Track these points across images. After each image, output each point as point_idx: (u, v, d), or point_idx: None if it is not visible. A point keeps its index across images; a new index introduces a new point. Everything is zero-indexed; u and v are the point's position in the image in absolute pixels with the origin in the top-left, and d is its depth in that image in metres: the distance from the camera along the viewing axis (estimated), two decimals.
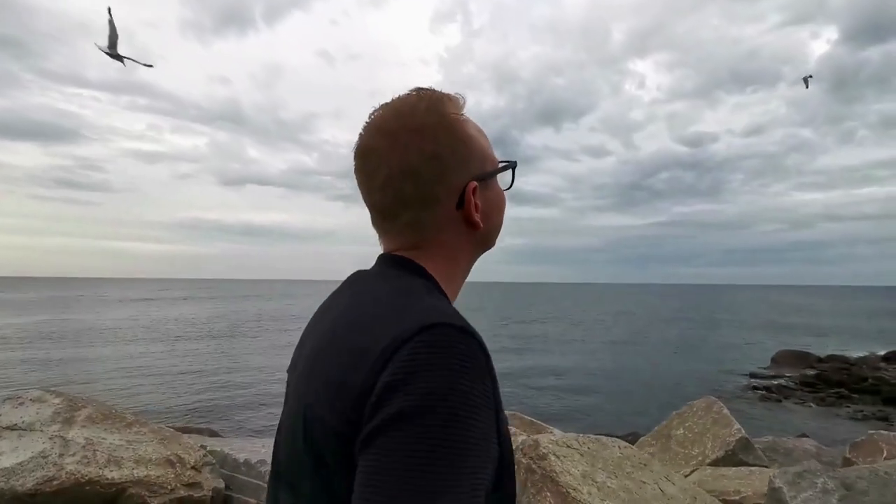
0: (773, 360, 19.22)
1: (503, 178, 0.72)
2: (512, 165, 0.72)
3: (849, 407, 12.61)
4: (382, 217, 0.67)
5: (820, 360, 18.67)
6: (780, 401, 13.42)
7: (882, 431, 3.82)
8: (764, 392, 14.26)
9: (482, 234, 0.68)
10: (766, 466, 4.18)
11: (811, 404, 13.05)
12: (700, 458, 4.35)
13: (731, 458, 4.25)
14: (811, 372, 16.51)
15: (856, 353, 20.24)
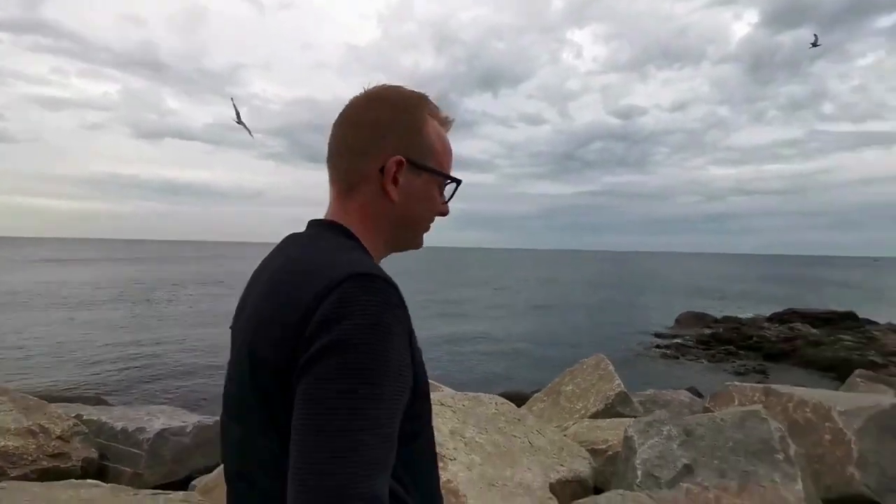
0: (677, 320, 20.84)
1: (446, 191, 0.83)
2: (455, 180, 0.82)
3: (734, 362, 13.96)
4: (328, 159, 0.79)
5: (716, 320, 20.46)
6: (677, 357, 14.63)
7: (737, 383, 4.21)
8: (664, 350, 15.47)
9: (399, 213, 0.77)
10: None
11: (703, 360, 14.32)
12: (583, 412, 4.64)
13: (610, 411, 4.56)
14: (707, 331, 18.07)
15: (747, 314, 22.37)
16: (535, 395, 5.44)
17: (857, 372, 6.90)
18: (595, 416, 4.51)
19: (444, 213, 0.84)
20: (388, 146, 0.75)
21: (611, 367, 5.08)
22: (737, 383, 4.19)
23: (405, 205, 0.77)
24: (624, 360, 14.11)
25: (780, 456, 2.65)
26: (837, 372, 12.40)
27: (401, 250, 0.84)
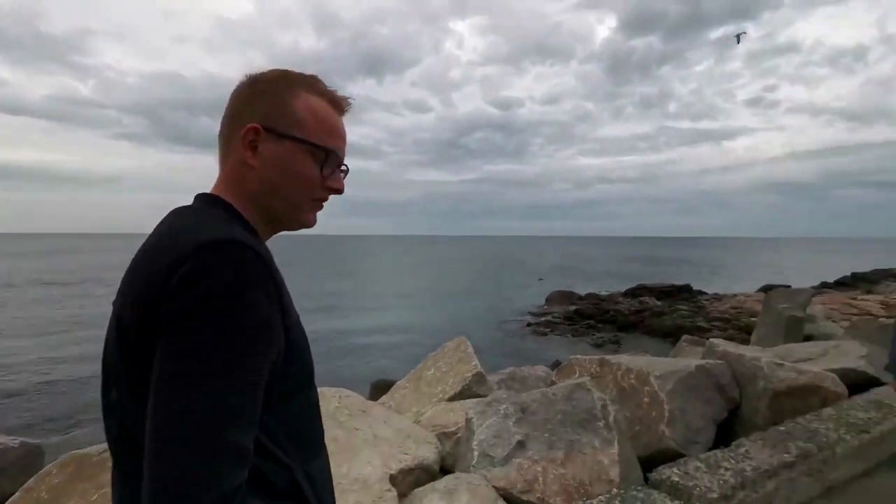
0: (547, 299, 22.41)
1: (326, 161, 0.80)
2: (322, 149, 0.79)
3: (594, 335, 15.35)
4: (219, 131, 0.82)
5: (581, 297, 22.36)
6: (545, 334, 15.71)
7: (579, 356, 4.51)
8: (535, 327, 16.54)
9: (261, 181, 0.77)
10: None
11: (568, 335, 15.55)
12: (441, 396, 4.68)
13: (467, 392, 4.65)
14: (573, 308, 19.65)
15: (607, 290, 24.74)
16: (398, 382, 5.40)
17: (684, 337, 7.86)
18: (452, 398, 4.57)
19: (336, 188, 0.82)
20: (252, 115, 0.77)
21: (469, 349, 5.19)
22: (578, 356, 4.48)
23: (266, 173, 0.77)
24: (500, 340, 14.82)
25: (601, 423, 2.85)
26: (674, 337, 14.20)
27: (284, 226, 0.83)
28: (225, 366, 0.58)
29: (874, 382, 4.54)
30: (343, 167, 0.85)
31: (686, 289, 22.90)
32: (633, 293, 22.04)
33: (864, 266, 29.77)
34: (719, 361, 3.90)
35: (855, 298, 14.20)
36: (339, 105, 0.83)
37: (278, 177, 0.78)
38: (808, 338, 6.92)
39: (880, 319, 6.70)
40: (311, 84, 0.81)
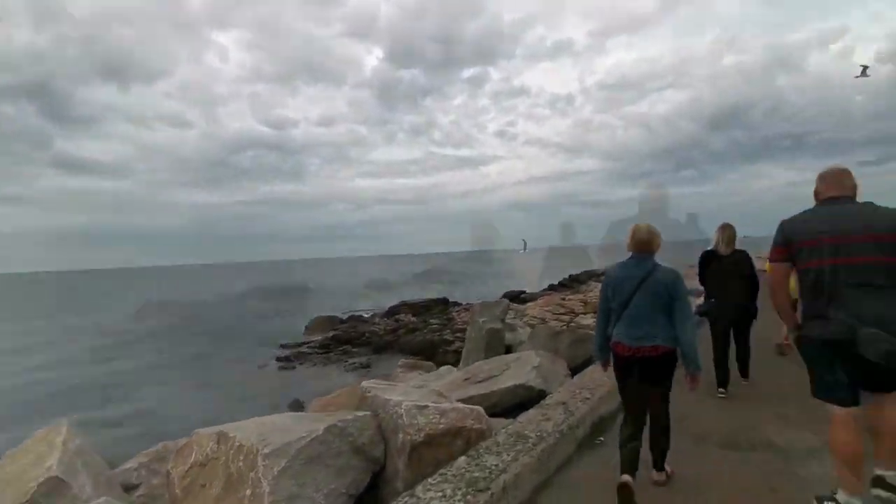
0: (307, 327, 20.92)
1: None
2: None
3: (347, 361, 14.50)
4: None
5: (342, 321, 21.50)
6: (294, 367, 14.25)
7: (201, 430, 3.31)
8: (283, 362, 14.92)
9: None
10: None
11: (319, 365, 14.39)
12: None
13: None
14: (332, 333, 18.61)
15: (369, 310, 24.47)
16: None
17: (400, 362, 7.42)
18: None
19: None
20: None
21: (60, 439, 3.57)
22: (200, 431, 3.29)
23: None
24: (234, 383, 12.75)
25: None
26: (425, 353, 14.27)
27: None
28: None
29: (542, 396, 4.47)
30: None
31: (443, 301, 24.07)
32: (394, 311, 22.16)
33: (581, 268, 36.06)
34: (361, 414, 3.16)
35: (564, 298, 16.43)
36: None
37: None
38: (509, 348, 7.19)
39: (552, 324, 7.20)
40: None
